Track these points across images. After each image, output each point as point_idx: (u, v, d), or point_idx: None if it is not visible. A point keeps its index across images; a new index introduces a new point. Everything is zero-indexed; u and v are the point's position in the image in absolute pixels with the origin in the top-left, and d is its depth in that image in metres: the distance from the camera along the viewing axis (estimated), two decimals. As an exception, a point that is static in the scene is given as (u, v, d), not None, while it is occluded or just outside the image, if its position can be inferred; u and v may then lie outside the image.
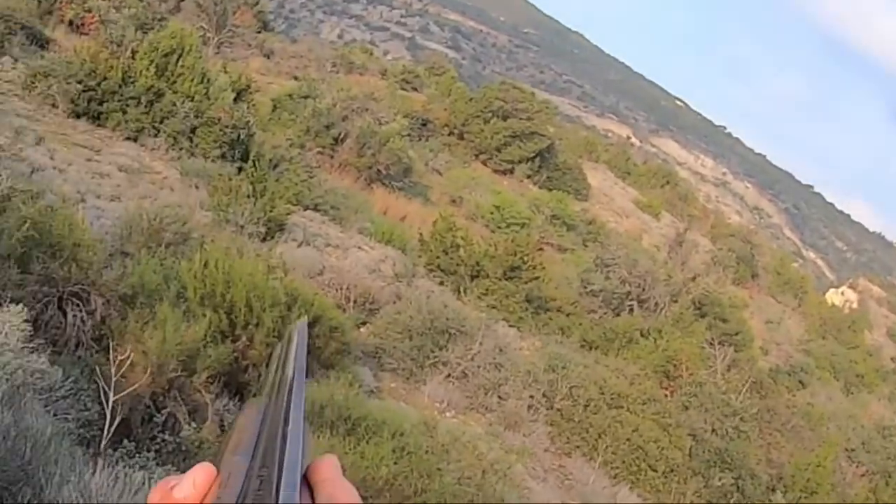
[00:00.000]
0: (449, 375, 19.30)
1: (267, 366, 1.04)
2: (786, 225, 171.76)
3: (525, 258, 27.53)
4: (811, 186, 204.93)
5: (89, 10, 31.54)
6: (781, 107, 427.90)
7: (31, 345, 8.94)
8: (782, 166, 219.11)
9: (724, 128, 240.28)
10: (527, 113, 52.48)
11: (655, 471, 19.50)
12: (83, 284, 11.50)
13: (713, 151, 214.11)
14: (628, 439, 19.68)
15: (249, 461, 0.80)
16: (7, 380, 7.68)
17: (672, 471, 19.74)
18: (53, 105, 22.04)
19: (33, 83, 22.45)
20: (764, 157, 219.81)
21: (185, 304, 12.90)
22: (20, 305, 9.38)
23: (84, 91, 22.29)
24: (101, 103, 22.59)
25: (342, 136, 36.17)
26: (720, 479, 20.39)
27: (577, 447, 19.50)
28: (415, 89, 59.79)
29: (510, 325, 24.90)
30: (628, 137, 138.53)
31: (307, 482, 0.79)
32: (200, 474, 0.77)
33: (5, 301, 9.63)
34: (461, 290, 25.86)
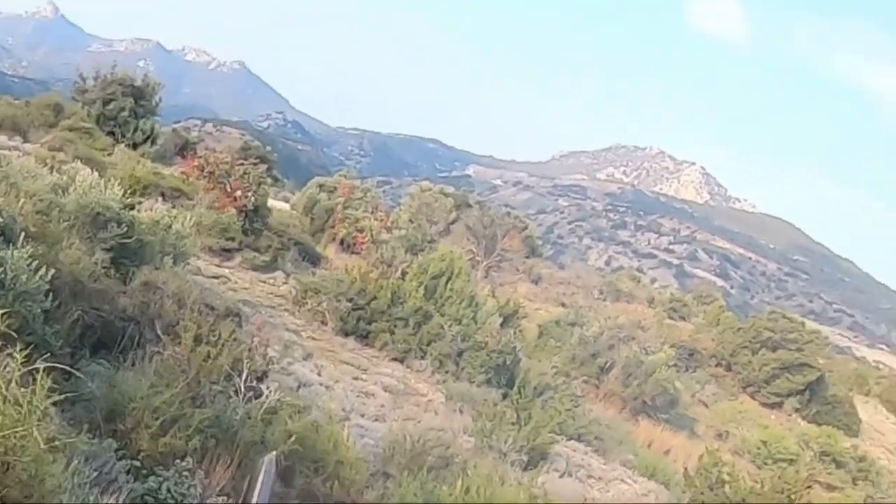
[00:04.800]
0: None
1: None
2: None
3: (792, 496, 26.33)
4: None
5: (361, 230, 33.58)
6: None
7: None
8: None
9: None
10: (796, 344, 51.04)
11: None
12: (345, 502, 11.65)
13: None
14: None
15: None
16: None
17: None
18: (323, 321, 23.15)
19: (304, 299, 23.75)
20: None
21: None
22: (282, 520, 9.54)
23: (354, 309, 23.34)
24: (369, 322, 23.53)
25: (608, 365, 36.13)
26: None
27: None
28: (682, 318, 59.62)
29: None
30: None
31: None
32: None
33: (267, 515, 9.83)
34: (725, 528, 25.01)
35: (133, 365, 10.57)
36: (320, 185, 40.20)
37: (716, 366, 51.32)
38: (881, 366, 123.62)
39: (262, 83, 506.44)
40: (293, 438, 11.65)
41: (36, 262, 9.20)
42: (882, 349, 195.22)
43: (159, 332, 11.68)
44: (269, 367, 12.58)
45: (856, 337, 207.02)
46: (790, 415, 50.29)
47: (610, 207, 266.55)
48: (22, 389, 4.26)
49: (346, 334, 23.26)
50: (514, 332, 29.04)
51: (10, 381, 4.24)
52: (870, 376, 72.93)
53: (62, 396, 4.77)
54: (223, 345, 11.50)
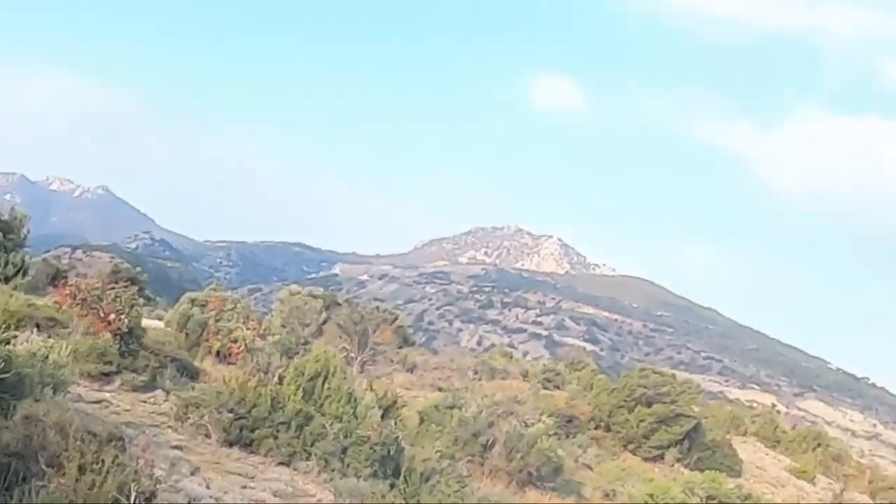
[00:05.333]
0: None
1: None
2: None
3: (683, 547, 26.91)
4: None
5: (235, 340, 33.36)
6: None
7: None
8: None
9: (868, 379, 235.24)
10: (670, 396, 51.74)
11: None
12: None
13: (860, 405, 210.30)
14: None
15: None
16: None
17: None
18: (206, 434, 22.85)
19: (186, 414, 23.43)
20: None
21: None
22: None
23: (235, 419, 23.12)
24: (252, 430, 23.32)
25: (490, 442, 36.21)
26: None
27: None
28: (557, 387, 60.00)
29: None
30: (773, 405, 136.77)
31: None
32: None
33: None
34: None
35: (20, 501, 10.45)
36: (192, 300, 39.78)
37: (595, 428, 51.54)
38: (755, 404, 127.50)
39: (127, 205, 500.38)
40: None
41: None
42: (753, 388, 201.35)
43: (43, 464, 11.56)
44: (157, 486, 12.52)
45: (726, 381, 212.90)
46: (673, 465, 50.88)
47: (475, 289, 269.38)
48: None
49: (231, 444, 23.00)
50: (395, 423, 29.04)
51: None
52: (745, 416, 74.73)
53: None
54: (108, 471, 11.45)
